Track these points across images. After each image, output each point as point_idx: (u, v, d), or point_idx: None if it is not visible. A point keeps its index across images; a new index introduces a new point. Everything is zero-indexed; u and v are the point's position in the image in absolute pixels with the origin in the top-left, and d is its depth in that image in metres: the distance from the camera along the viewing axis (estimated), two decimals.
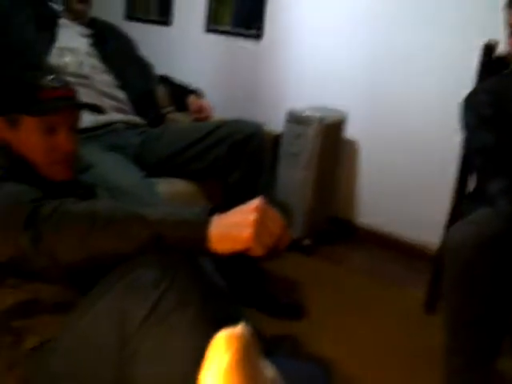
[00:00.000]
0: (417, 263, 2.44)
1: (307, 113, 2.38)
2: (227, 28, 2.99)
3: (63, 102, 1.15)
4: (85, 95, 1.80)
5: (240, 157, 1.84)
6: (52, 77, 1.15)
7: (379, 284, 2.26)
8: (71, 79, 1.70)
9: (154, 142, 1.91)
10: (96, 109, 1.34)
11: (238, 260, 1.30)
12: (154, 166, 1.86)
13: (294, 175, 2.42)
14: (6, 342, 0.98)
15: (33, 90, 1.11)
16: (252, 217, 0.88)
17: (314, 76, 2.74)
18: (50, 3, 1.99)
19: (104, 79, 1.93)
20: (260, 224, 0.88)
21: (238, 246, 0.88)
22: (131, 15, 3.35)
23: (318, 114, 2.37)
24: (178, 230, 0.89)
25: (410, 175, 2.56)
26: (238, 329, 0.77)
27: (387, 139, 2.59)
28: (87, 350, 0.89)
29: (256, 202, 0.90)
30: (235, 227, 0.88)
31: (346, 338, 1.82)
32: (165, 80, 2.38)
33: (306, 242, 2.48)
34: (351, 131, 2.64)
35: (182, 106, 2.32)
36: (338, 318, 1.93)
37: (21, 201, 0.95)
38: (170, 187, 1.82)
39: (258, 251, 0.88)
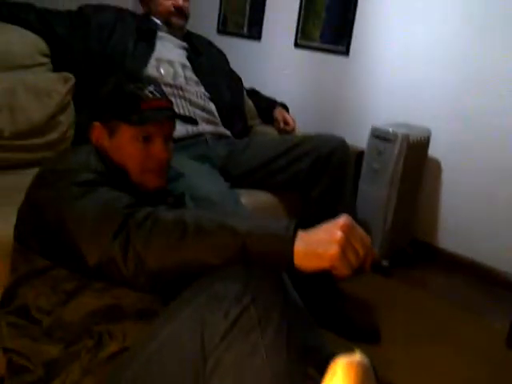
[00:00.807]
0: (499, 292, 2.33)
1: (392, 129, 2.35)
2: (316, 44, 3.01)
3: (163, 113, 1.19)
4: (178, 105, 1.87)
5: (323, 171, 1.84)
6: (152, 88, 1.20)
7: (458, 311, 2.17)
8: (167, 89, 1.77)
9: (240, 153, 1.94)
10: (191, 120, 1.39)
11: (318, 279, 1.30)
12: (239, 177, 1.90)
13: (376, 193, 2.38)
14: (87, 346, 0.99)
15: (134, 100, 1.16)
16: (338, 234, 0.87)
17: (400, 93, 2.71)
18: (151, 17, 2.09)
19: (196, 90, 1.99)
20: (346, 242, 0.87)
21: (323, 264, 0.87)
22: (223, 30, 3.45)
23: (402, 131, 2.33)
24: (264, 243, 0.89)
25: (494, 200, 2.47)
26: (357, 356, 0.76)
27: (472, 161, 2.51)
28: (169, 359, 0.88)
29: (342, 219, 0.89)
30: (321, 244, 0.87)
31: (421, 368, 1.75)
32: (253, 93, 2.44)
33: (384, 263, 2.43)
34: (436, 150, 2.59)
35: (268, 119, 2.36)
36: (414, 345, 1.87)
37: (115, 207, 0.98)
38: (252, 199, 1.84)
39: (343, 270, 0.87)
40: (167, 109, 1.22)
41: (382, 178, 2.36)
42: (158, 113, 1.18)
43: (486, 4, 2.40)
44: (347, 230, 0.88)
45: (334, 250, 0.86)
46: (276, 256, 0.89)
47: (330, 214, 0.94)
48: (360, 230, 0.91)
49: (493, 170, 2.46)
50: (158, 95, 1.20)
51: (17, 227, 1.11)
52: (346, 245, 0.87)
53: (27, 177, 1.12)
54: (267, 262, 0.90)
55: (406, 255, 2.61)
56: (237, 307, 0.84)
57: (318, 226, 0.92)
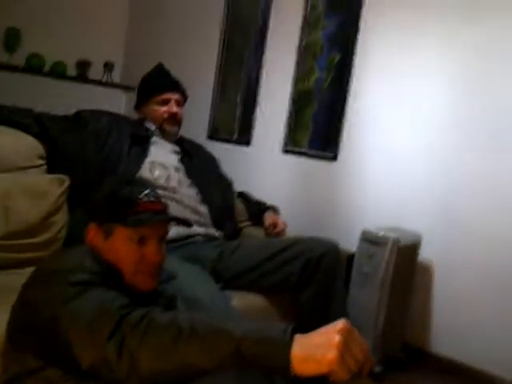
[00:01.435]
0: None
1: (382, 233, 2.38)
2: (304, 149, 3.11)
3: (158, 216, 1.22)
4: (171, 208, 1.89)
5: (313, 274, 1.85)
6: (147, 191, 1.23)
7: None
8: (160, 192, 1.79)
9: (230, 255, 1.96)
10: (186, 223, 1.41)
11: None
12: (230, 279, 1.90)
13: (366, 296, 2.37)
14: None
15: (130, 202, 1.19)
16: (337, 338, 0.86)
17: (389, 197, 2.77)
18: (145, 122, 2.17)
19: (189, 193, 2.04)
20: (345, 346, 0.85)
21: (321, 369, 0.85)
22: (213, 135, 3.57)
23: (392, 235, 2.36)
24: (260, 347, 0.87)
25: (486, 304, 2.46)
26: None
27: (464, 264, 2.53)
28: None
29: (341, 324, 0.88)
30: (319, 348, 0.86)
31: None
32: (243, 196, 2.49)
33: (377, 368, 2.37)
34: (427, 253, 2.60)
35: (257, 222, 2.39)
36: None
37: (109, 307, 0.97)
38: (243, 301, 1.84)
39: (341, 375, 0.85)
40: (162, 212, 1.25)
41: (373, 281, 2.36)
42: (154, 215, 1.21)
43: (472, 107, 2.52)
44: (346, 334, 0.87)
45: (332, 354, 0.84)
46: (272, 360, 0.87)
47: (321, 318, 0.92)
48: (358, 335, 0.90)
49: (480, 271, 2.47)
50: (152, 198, 1.23)
51: (9, 326, 1.10)
52: (344, 349, 0.85)
53: (20, 276, 1.13)
54: (263, 367, 0.88)
55: (398, 360, 2.55)
56: None
57: (312, 331, 0.90)
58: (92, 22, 4.12)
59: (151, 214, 1.20)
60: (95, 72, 4.17)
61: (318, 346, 0.86)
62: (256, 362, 0.88)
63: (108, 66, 4.16)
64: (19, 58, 3.88)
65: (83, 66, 4.08)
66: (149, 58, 2.28)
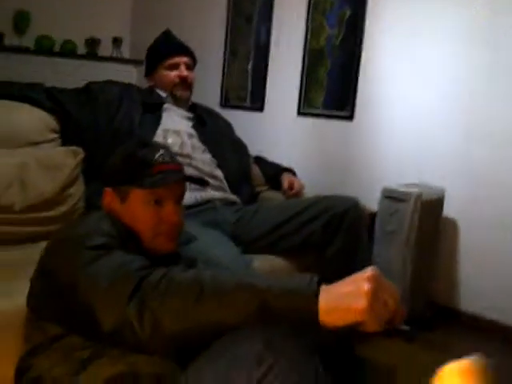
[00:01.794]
0: None
1: (404, 189, 2.33)
2: (319, 110, 3.06)
3: (174, 175, 1.20)
4: (187, 173, 1.87)
5: (337, 231, 1.83)
6: (162, 152, 1.22)
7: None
8: None
9: (250, 219, 1.94)
10: (202, 181, 1.39)
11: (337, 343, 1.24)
12: (250, 243, 1.88)
13: (391, 255, 2.33)
14: None
15: (146, 164, 1.18)
16: (366, 286, 0.82)
17: (408, 154, 2.72)
18: (156, 89, 2.13)
19: (203, 158, 2.02)
20: (375, 295, 0.82)
21: (350, 318, 0.82)
22: (226, 103, 3.53)
23: (415, 190, 2.31)
24: (286, 299, 0.85)
25: None
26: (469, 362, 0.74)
27: (488, 218, 2.47)
28: None
29: (369, 271, 0.85)
30: (347, 298, 0.83)
31: None
32: (259, 160, 2.46)
33: (405, 327, 2.34)
34: (451, 209, 2.55)
35: (275, 185, 2.36)
36: None
37: (128, 269, 0.96)
38: (265, 264, 1.82)
39: (372, 325, 0.82)
40: (178, 172, 1.23)
41: (397, 239, 2.31)
42: (170, 175, 1.19)
43: (490, 55, 2.44)
44: (375, 282, 0.83)
45: (362, 303, 0.81)
46: (299, 312, 0.84)
47: (345, 275, 0.89)
48: (388, 283, 0.86)
49: (506, 223, 2.42)
50: (168, 159, 1.21)
51: (29, 296, 1.11)
52: (374, 298, 0.82)
53: (37, 250, 1.12)
54: (290, 319, 0.85)
55: (427, 319, 2.52)
56: (258, 370, 0.79)
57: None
58: None
59: (166, 175, 1.18)
60: (104, 49, 4.17)
61: (346, 294, 0.83)
62: (282, 315, 0.85)
63: (116, 42, 4.16)
64: (29, 40, 3.88)
65: (92, 43, 4.08)
66: (156, 31, 2.25)
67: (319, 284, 0.86)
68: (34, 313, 1.09)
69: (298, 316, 0.84)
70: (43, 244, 1.13)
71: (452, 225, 2.59)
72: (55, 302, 1.03)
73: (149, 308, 0.89)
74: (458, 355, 2.20)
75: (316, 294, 0.84)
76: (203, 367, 0.86)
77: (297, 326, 0.86)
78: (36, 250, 1.15)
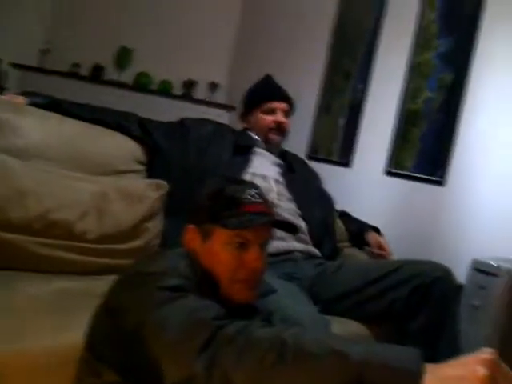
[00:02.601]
0: None
1: (495, 263, 2.18)
2: (408, 172, 2.94)
3: (264, 218, 1.11)
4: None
5: (423, 302, 1.66)
6: (254, 191, 1.13)
7: None
8: None
9: (330, 276, 1.82)
10: (293, 228, 1.26)
11: None
12: (327, 302, 1.74)
13: (476, 332, 2.14)
14: None
15: (235, 202, 1.09)
16: (482, 371, 0.70)
17: (499, 226, 2.55)
18: (249, 132, 2.10)
19: (288, 207, 1.94)
20: (493, 382, 0.70)
21: None
22: (313, 155, 3.47)
23: (508, 265, 2.16)
24: (386, 376, 0.73)
25: None
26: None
27: None
28: None
29: (486, 354, 0.73)
30: (460, 382, 0.71)
31: None
32: (344, 215, 2.36)
33: None
34: None
35: (358, 243, 2.25)
36: None
37: (203, 317, 0.87)
38: (343, 328, 1.67)
39: None
40: (268, 214, 1.14)
41: (483, 316, 2.16)
42: (259, 217, 1.10)
43: None
44: (494, 368, 0.71)
45: None
46: None
47: (428, 353, 0.76)
48: (507, 369, 0.74)
49: None
50: (259, 199, 1.13)
51: (89, 334, 1.02)
52: None
53: (106, 283, 1.04)
54: None
55: None
56: None
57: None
58: (199, 43, 4.23)
59: (255, 216, 1.09)
60: (200, 91, 4.27)
61: (458, 379, 0.71)
62: None
63: (213, 86, 4.24)
64: (129, 76, 4.04)
65: (189, 85, 4.20)
66: (253, 78, 2.25)
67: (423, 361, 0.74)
68: (90, 352, 1.00)
69: None
70: (112, 278, 1.06)
71: None
72: (116, 345, 0.94)
73: (221, 365, 0.79)
74: None
75: (421, 374, 0.72)
76: None
77: None
78: (103, 283, 1.08)
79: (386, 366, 0.74)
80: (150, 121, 2.02)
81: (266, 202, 1.15)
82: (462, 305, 2.19)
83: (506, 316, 2.13)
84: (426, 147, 2.88)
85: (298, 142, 3.46)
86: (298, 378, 0.77)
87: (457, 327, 1.74)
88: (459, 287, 2.21)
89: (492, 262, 2.19)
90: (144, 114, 2.54)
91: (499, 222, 2.55)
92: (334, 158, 3.36)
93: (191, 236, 1.13)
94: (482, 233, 2.61)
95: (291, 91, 2.22)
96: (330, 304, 1.74)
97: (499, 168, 2.59)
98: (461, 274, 2.21)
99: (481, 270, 2.20)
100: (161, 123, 2.04)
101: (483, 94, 2.70)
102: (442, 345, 1.63)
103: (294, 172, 2.10)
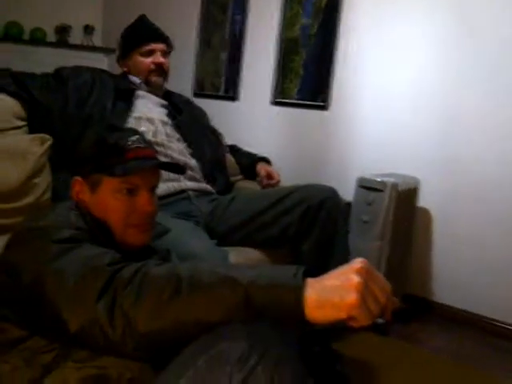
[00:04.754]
0: (503, 344, 2.23)
1: (379, 179, 2.30)
2: (293, 100, 3.02)
3: (149, 162, 1.13)
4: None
5: (314, 223, 1.77)
6: (136, 137, 1.14)
7: (462, 368, 2.03)
8: None
9: (224, 209, 1.88)
10: (179, 169, 1.29)
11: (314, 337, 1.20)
12: (224, 234, 1.83)
13: (366, 245, 2.30)
14: None
15: (118, 150, 1.10)
16: (356, 279, 0.78)
17: (382, 143, 2.71)
18: (129, 76, 2.06)
19: (177, 147, 1.95)
20: (365, 288, 0.78)
21: (339, 314, 0.77)
22: (200, 92, 3.46)
23: (391, 180, 2.29)
24: (270, 293, 0.79)
25: (487, 250, 2.42)
26: None
27: (463, 208, 2.48)
28: None
29: (358, 263, 0.80)
30: (337, 291, 0.78)
31: None
32: (234, 149, 2.41)
33: (380, 320, 2.32)
34: (425, 199, 2.55)
35: (250, 175, 2.32)
36: None
37: (98, 264, 0.90)
38: (240, 256, 1.75)
39: (362, 320, 0.78)
40: (153, 158, 1.16)
41: (372, 229, 2.30)
42: (144, 162, 1.12)
43: (469, 44, 2.44)
44: (365, 275, 0.79)
45: (352, 297, 0.77)
46: (285, 307, 0.79)
47: (323, 269, 0.84)
48: (379, 275, 0.82)
49: (480, 214, 2.43)
50: (142, 145, 1.14)
51: None
52: (365, 291, 0.77)
53: (1, 243, 1.03)
54: (275, 315, 0.80)
55: (402, 311, 2.51)
56: (242, 370, 0.72)
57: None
58: None
59: (140, 162, 1.11)
60: (75, 37, 4.07)
61: (335, 288, 0.78)
62: (266, 311, 0.80)
63: (88, 30, 4.05)
64: None
65: (62, 31, 3.98)
66: (129, 19, 2.17)
67: (305, 276, 0.81)
68: None
69: (282, 311, 0.79)
70: (5, 237, 1.04)
71: (427, 215, 2.59)
72: (18, 301, 0.95)
73: (120, 306, 0.83)
74: (432, 347, 2.21)
75: (302, 287, 0.79)
76: (181, 368, 0.78)
77: (281, 321, 0.81)
78: None
79: (269, 284, 0.80)
80: (24, 74, 1.92)
81: (149, 146, 1.17)
82: (352, 221, 2.35)
83: (392, 228, 2.29)
84: (308, 74, 2.96)
85: (183, 80, 3.44)
86: (193, 306, 0.82)
87: (346, 243, 1.88)
88: (347, 205, 2.37)
89: (376, 178, 2.31)
90: (18, 64, 2.40)
91: (381, 140, 2.71)
92: (221, 93, 3.38)
93: (79, 188, 1.13)
94: (367, 151, 2.77)
95: (169, 29, 2.19)
96: (227, 236, 1.82)
97: (378, 88, 2.72)
98: (349, 194, 2.37)
99: (367, 186, 2.31)
100: (36, 76, 1.93)
101: (357, 17, 2.78)
102: (334, 261, 1.76)
103: (181, 112, 2.10)
